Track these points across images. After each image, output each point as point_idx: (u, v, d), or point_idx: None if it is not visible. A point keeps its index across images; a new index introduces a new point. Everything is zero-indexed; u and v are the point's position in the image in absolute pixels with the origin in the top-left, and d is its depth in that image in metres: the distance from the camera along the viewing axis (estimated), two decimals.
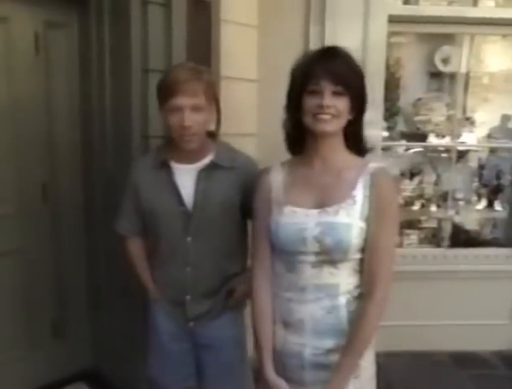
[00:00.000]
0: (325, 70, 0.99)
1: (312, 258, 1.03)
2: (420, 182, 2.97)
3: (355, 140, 1.10)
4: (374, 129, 2.34)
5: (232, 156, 1.37)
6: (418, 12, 2.44)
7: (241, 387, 1.46)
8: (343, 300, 1.04)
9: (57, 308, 2.16)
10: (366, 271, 1.03)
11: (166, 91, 1.21)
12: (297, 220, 1.04)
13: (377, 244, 1.01)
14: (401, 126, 2.97)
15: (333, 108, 0.99)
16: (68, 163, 2.11)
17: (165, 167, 1.31)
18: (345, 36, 2.20)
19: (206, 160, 1.31)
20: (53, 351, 2.14)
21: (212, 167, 1.31)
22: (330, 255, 1.02)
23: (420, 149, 3.06)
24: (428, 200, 2.91)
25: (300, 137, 1.11)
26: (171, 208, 1.31)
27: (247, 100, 2.22)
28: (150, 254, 1.44)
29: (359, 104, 1.04)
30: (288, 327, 1.07)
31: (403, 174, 3.03)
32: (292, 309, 1.06)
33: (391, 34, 2.47)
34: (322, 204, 1.04)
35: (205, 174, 1.30)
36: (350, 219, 1.00)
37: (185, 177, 1.30)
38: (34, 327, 2.08)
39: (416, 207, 2.90)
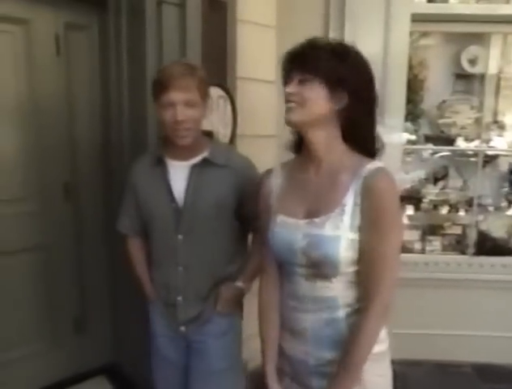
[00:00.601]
0: (292, 59, 0.96)
1: (304, 271, 0.98)
2: (444, 187, 2.87)
3: (361, 142, 0.98)
4: (395, 131, 2.29)
5: (227, 154, 1.36)
6: (444, 10, 2.35)
7: None
8: (342, 313, 0.97)
9: (79, 305, 2.20)
10: (362, 284, 0.95)
11: (159, 87, 1.21)
12: (287, 231, 0.99)
13: (371, 255, 0.91)
14: (424, 129, 2.88)
15: (296, 95, 0.93)
16: (89, 163, 2.15)
17: (161, 164, 1.32)
18: (365, 34, 2.15)
19: (200, 157, 1.30)
20: (75, 346, 2.19)
21: (205, 164, 1.30)
22: (319, 269, 0.95)
23: (447, 153, 2.95)
24: (453, 206, 2.80)
25: (298, 136, 1.06)
26: (163, 205, 1.31)
27: (265, 102, 2.20)
28: (149, 254, 1.44)
29: (357, 100, 0.93)
30: (294, 334, 1.05)
31: (426, 179, 2.94)
32: (297, 317, 1.03)
33: (415, 34, 2.40)
34: (312, 214, 0.96)
35: (197, 171, 1.30)
36: (338, 231, 0.91)
37: (179, 173, 1.30)
38: (56, 323, 2.13)
39: (440, 212, 2.80)
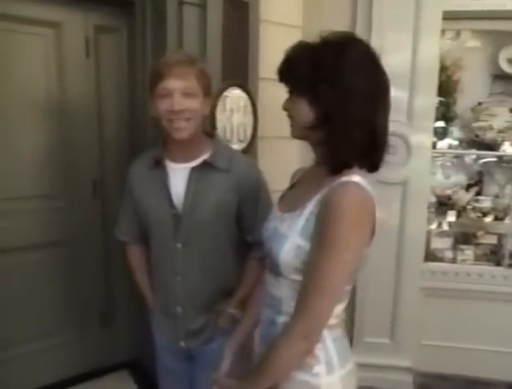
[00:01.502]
0: (277, 70, 0.91)
1: (267, 261, 0.97)
2: (478, 194, 2.72)
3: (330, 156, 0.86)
4: (425, 135, 2.20)
5: (230, 158, 1.26)
6: (480, 7, 2.23)
7: None
8: (281, 319, 0.91)
9: (105, 299, 2.26)
10: (297, 296, 0.86)
11: (155, 75, 1.14)
12: (268, 220, 0.99)
13: (307, 270, 0.84)
14: (457, 133, 2.75)
15: (287, 110, 0.91)
16: (116, 161, 2.20)
17: (160, 167, 1.24)
18: (394, 33, 2.07)
19: (201, 159, 1.22)
20: (100, 340, 2.25)
21: (206, 167, 1.21)
22: (270, 263, 0.93)
23: (490, 159, 2.80)
24: (487, 213, 2.65)
25: None
26: (162, 211, 1.23)
27: None
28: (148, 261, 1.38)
29: (339, 107, 0.82)
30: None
31: (456, 184, 2.81)
32: (261, 308, 1.02)
33: (447, 32, 2.29)
34: (289, 209, 0.93)
35: (197, 174, 1.21)
36: (288, 231, 0.88)
37: (178, 176, 1.21)
38: (82, 316, 2.20)
39: (472, 220, 2.65)
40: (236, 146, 1.92)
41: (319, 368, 0.89)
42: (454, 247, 2.59)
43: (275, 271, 0.91)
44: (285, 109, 0.91)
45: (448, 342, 2.45)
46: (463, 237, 2.61)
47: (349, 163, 0.86)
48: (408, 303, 2.29)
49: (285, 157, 2.24)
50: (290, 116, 0.91)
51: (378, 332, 2.33)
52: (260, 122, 2.01)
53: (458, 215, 2.70)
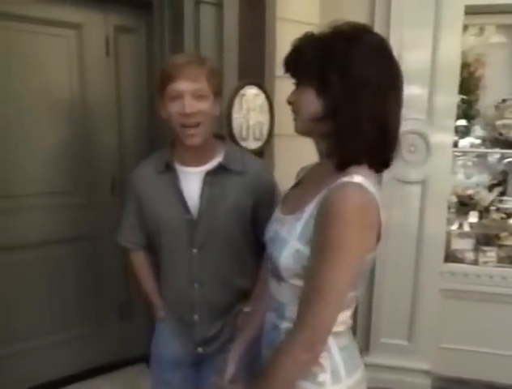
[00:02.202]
0: (284, 60, 0.87)
1: (269, 264, 0.93)
2: (502, 194, 2.64)
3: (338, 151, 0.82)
4: (445, 133, 2.15)
5: (243, 160, 1.23)
6: (504, 0, 2.15)
7: None
8: (284, 325, 0.88)
9: (124, 294, 2.30)
10: (298, 303, 0.82)
11: (166, 77, 1.11)
12: (271, 221, 0.96)
13: (307, 276, 0.80)
14: (480, 132, 2.67)
15: (293, 104, 0.87)
16: (135, 159, 2.22)
17: (170, 170, 1.19)
18: (413, 30, 2.03)
19: (214, 163, 1.19)
20: (119, 332, 2.30)
21: (220, 170, 1.18)
22: (272, 267, 0.90)
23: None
24: (511, 215, 2.57)
25: None
26: (175, 216, 1.19)
27: None
28: (156, 269, 1.34)
29: (348, 100, 0.78)
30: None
31: (478, 184, 2.74)
32: (266, 312, 0.99)
33: (469, 28, 2.23)
34: (290, 211, 0.89)
35: (212, 178, 1.18)
36: (288, 235, 0.84)
37: (191, 181, 1.18)
38: (102, 309, 2.26)
39: (495, 221, 2.58)
40: (253, 144, 1.92)
41: (324, 377, 0.85)
42: (476, 248, 2.52)
43: (277, 275, 0.88)
44: (290, 102, 0.87)
45: (468, 346, 2.39)
46: (486, 239, 2.53)
47: (357, 158, 0.81)
48: (427, 304, 2.25)
49: (302, 155, 2.20)
50: (295, 109, 0.87)
51: (396, 333, 2.29)
52: (276, 121, 2.01)
53: (481, 216, 2.63)
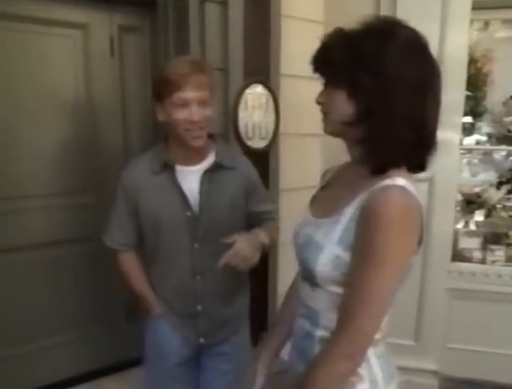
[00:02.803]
0: (312, 59, 0.82)
1: (301, 270, 0.90)
2: (509, 192, 2.61)
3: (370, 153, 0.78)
4: (452, 131, 2.12)
5: (233, 156, 1.33)
6: None
7: None
8: (319, 333, 0.84)
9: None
10: (338, 311, 0.79)
11: (170, 85, 1.14)
12: (300, 226, 0.91)
13: (349, 284, 0.76)
14: (487, 128, 2.64)
15: (322, 104, 0.82)
16: None
17: (167, 170, 1.24)
18: (419, 27, 1.99)
19: (209, 161, 1.26)
20: (125, 334, 2.28)
21: (216, 167, 1.26)
22: (305, 272, 0.85)
23: None
24: None
25: None
26: (176, 214, 1.24)
27: (309, 99, 2.11)
28: (147, 268, 1.36)
29: (382, 100, 0.74)
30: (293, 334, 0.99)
31: (483, 183, 2.71)
32: (296, 318, 0.95)
33: (476, 23, 2.20)
34: (322, 214, 0.85)
35: (209, 176, 1.25)
36: (324, 240, 0.79)
37: (190, 179, 1.24)
38: (109, 310, 2.24)
39: (503, 219, 2.55)
40: (259, 144, 1.91)
41: (362, 387, 0.82)
42: (484, 247, 2.49)
43: (311, 281, 0.83)
44: (319, 102, 0.83)
45: (475, 346, 2.37)
46: (494, 237, 2.51)
47: (394, 162, 0.77)
48: (434, 304, 2.23)
49: (307, 154, 2.22)
50: (324, 110, 0.82)
51: (402, 333, 2.27)
52: (282, 119, 2.00)
53: (487, 215, 2.61)
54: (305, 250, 0.85)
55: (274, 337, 1.05)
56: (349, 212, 0.77)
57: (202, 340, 1.34)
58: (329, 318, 0.81)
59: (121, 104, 2.14)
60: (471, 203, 2.66)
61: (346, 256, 0.76)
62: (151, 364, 1.40)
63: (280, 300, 2.06)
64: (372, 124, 0.75)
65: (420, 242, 0.78)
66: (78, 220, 2.10)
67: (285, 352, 1.02)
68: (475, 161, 2.83)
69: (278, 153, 2.01)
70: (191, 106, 1.15)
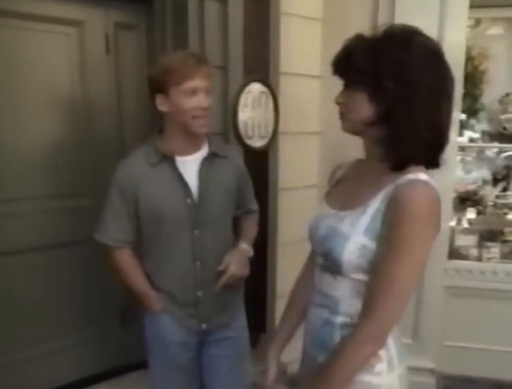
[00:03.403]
0: (333, 62, 0.90)
1: (321, 261, 0.96)
2: (506, 189, 2.63)
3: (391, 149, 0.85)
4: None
5: (223, 145, 1.43)
6: None
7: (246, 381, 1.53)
8: (339, 320, 0.91)
9: (126, 298, 2.23)
10: (364, 297, 0.86)
11: (180, 75, 1.21)
12: (319, 218, 0.97)
13: (377, 271, 0.82)
14: (483, 126, 2.66)
15: (342, 104, 0.89)
16: None
17: (166, 161, 1.28)
18: (418, 24, 1.98)
19: (205, 150, 1.33)
20: (120, 338, 2.24)
21: (211, 157, 1.33)
22: (327, 261, 0.92)
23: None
24: None
25: None
26: (177, 202, 1.29)
27: (309, 98, 2.12)
28: (143, 261, 1.38)
29: (403, 100, 0.80)
30: (305, 323, 1.04)
31: (485, 180, 2.72)
32: (309, 308, 1.01)
33: (473, 21, 2.20)
34: (343, 207, 0.92)
35: (207, 164, 1.31)
36: (351, 230, 0.85)
37: (188, 167, 1.29)
38: (103, 315, 2.19)
39: (500, 216, 2.56)
40: (258, 142, 1.89)
41: (381, 367, 0.88)
42: (480, 245, 2.51)
43: (335, 270, 0.89)
44: (338, 103, 0.89)
45: (473, 343, 2.39)
46: (489, 235, 2.52)
47: (415, 160, 0.83)
48: (432, 302, 2.23)
49: (307, 153, 2.20)
50: (343, 110, 0.89)
51: (400, 332, 2.27)
52: (281, 118, 1.98)
53: (482, 212, 2.62)
54: (328, 242, 0.90)
55: (282, 329, 1.11)
56: (375, 204, 0.84)
57: (204, 326, 1.37)
58: (349, 305, 0.89)
59: (117, 102, 2.09)
60: (465, 200, 2.67)
61: (372, 245, 0.83)
62: (155, 359, 1.43)
63: (279, 300, 2.07)
64: (393, 125, 0.82)
65: (438, 230, 0.84)
66: (69, 223, 2.04)
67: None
68: (469, 159, 2.84)
69: (277, 152, 1.99)
70: (200, 94, 1.23)
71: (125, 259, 1.36)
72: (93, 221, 2.05)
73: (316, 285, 0.98)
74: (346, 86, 0.87)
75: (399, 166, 0.83)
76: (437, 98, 0.82)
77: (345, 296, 0.90)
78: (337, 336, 0.90)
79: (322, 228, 0.93)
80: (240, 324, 1.48)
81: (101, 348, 2.20)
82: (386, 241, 0.80)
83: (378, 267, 0.82)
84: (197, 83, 1.22)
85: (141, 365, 2.21)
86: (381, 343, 0.84)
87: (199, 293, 1.34)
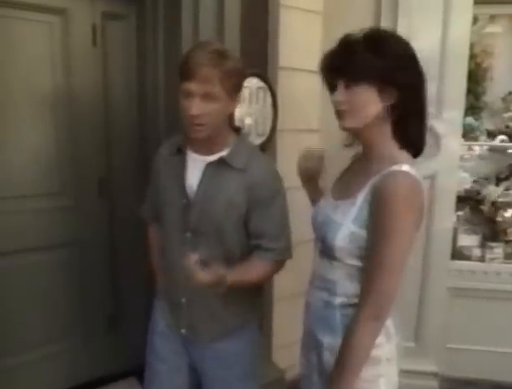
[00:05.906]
0: (330, 65, 0.97)
1: (319, 246, 1.06)
2: (509, 188, 2.58)
3: (409, 138, 0.98)
4: (454, 126, 2.07)
5: (248, 157, 1.22)
6: None
7: None
8: (338, 300, 1.01)
9: (113, 303, 2.16)
10: (361, 282, 0.96)
11: (181, 72, 1.12)
12: (320, 207, 1.08)
13: (370, 256, 0.93)
14: (486, 124, 2.61)
15: (345, 103, 0.93)
16: (124, 158, 2.09)
17: (180, 154, 1.26)
18: (421, 20, 1.94)
19: (220, 155, 1.21)
20: (108, 345, 2.16)
21: (222, 164, 1.20)
22: (324, 246, 1.02)
23: None
24: None
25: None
26: (174, 198, 1.25)
27: (309, 94, 2.05)
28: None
29: (407, 90, 0.91)
30: (305, 306, 1.13)
31: (486, 179, 2.67)
32: (308, 290, 1.11)
33: (478, 18, 2.16)
34: (340, 197, 1.02)
35: (212, 170, 1.21)
36: (342, 219, 0.96)
37: (197, 167, 1.22)
38: (90, 321, 2.11)
39: (502, 217, 2.51)
40: (256, 140, 1.82)
41: (380, 339, 0.96)
42: (483, 245, 2.46)
43: (330, 255, 0.99)
44: (339, 102, 0.93)
45: (476, 345, 2.35)
46: (493, 235, 2.48)
47: (418, 147, 0.98)
48: (435, 304, 2.19)
49: None
50: (346, 108, 0.94)
51: (402, 335, 2.22)
52: (279, 115, 1.91)
53: (481, 212, 2.57)
54: (323, 228, 1.01)
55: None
56: (362, 194, 0.94)
57: (183, 332, 1.32)
58: (345, 286, 0.99)
59: (104, 98, 1.99)
60: (468, 199, 2.63)
61: (361, 232, 0.94)
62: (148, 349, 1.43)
63: (278, 302, 1.99)
64: (403, 116, 0.94)
65: (421, 217, 0.95)
66: (53, 224, 1.94)
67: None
68: (471, 157, 2.80)
69: (275, 151, 1.93)
70: (194, 99, 1.10)
71: (151, 235, 1.44)
72: (76, 223, 1.99)
73: (316, 269, 1.08)
74: (348, 84, 0.92)
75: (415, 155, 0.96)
76: (421, 81, 0.94)
77: (341, 279, 1.00)
78: (338, 316, 1.01)
79: (320, 215, 1.05)
80: (238, 346, 1.32)
81: (88, 356, 2.11)
82: (373, 228, 0.91)
83: (370, 252, 0.92)
84: (192, 86, 1.09)
85: (130, 372, 2.14)
86: (382, 319, 0.93)
87: (183, 300, 1.29)
